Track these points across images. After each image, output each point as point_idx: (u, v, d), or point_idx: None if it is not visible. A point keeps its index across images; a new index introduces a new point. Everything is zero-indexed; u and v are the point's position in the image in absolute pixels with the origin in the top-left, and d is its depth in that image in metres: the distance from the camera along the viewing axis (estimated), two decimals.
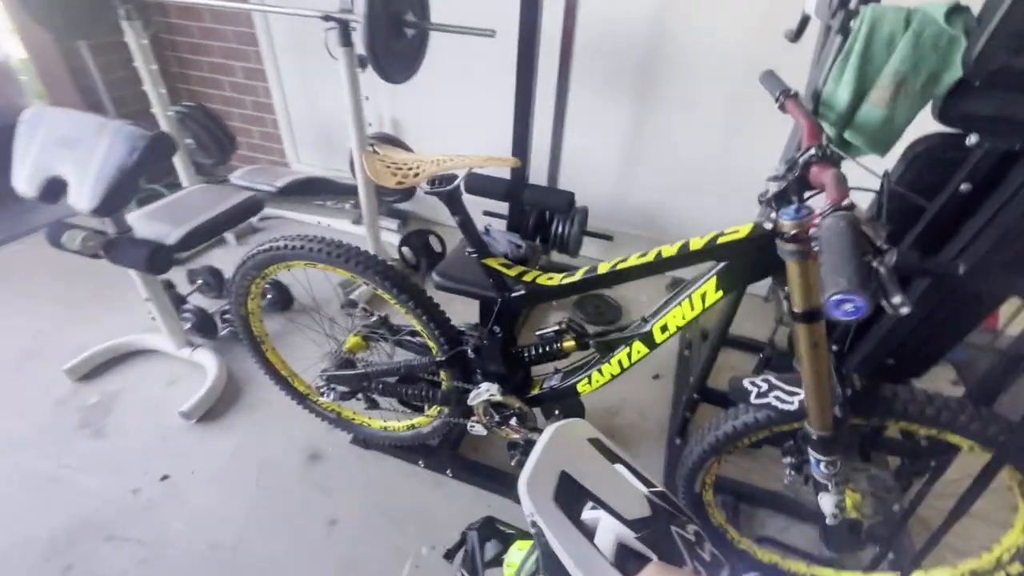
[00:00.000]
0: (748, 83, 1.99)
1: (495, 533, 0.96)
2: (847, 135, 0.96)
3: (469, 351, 1.18)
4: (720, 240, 0.85)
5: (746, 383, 1.01)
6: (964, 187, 0.90)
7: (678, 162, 2.25)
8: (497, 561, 0.93)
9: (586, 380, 1.11)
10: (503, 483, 1.51)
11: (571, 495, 0.65)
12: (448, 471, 1.54)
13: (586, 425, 0.77)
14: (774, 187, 0.76)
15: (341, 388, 1.35)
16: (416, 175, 0.95)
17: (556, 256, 2.30)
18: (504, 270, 1.04)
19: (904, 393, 0.90)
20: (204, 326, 1.95)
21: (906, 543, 1.31)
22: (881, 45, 0.89)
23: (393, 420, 1.54)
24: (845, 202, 0.54)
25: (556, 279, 1.02)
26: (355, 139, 1.92)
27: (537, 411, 1.27)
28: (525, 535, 0.93)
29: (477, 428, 1.29)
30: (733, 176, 2.19)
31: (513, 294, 1.06)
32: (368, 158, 0.97)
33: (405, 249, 2.44)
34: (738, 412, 1.05)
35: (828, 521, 1.00)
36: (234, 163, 2.70)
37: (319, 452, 1.61)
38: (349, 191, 2.31)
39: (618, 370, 1.06)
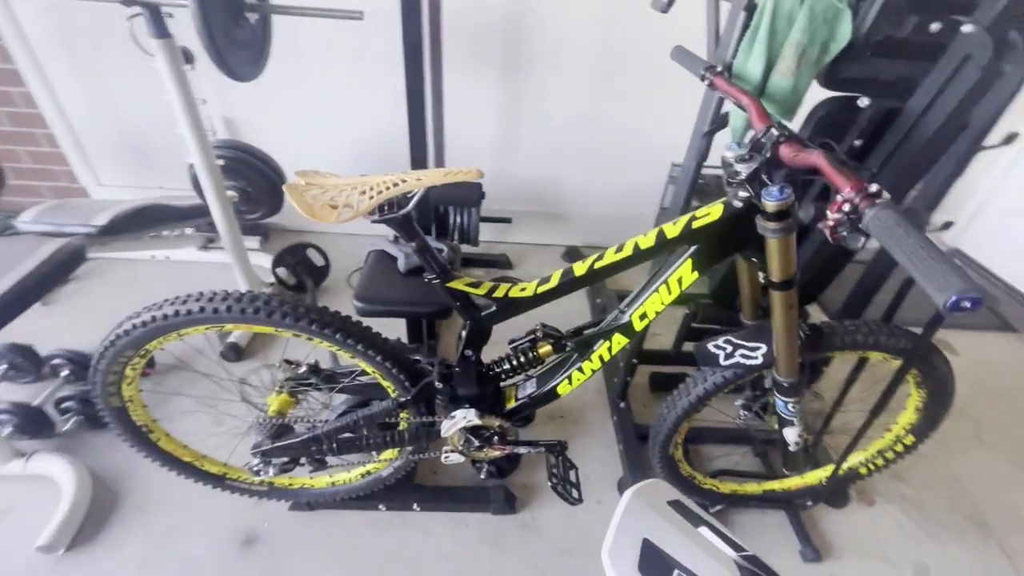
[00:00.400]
0: (613, 51, 2.09)
1: None
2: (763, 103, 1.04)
3: (436, 382, 1.07)
4: (695, 224, 0.86)
5: (711, 347, 1.07)
6: (857, 143, 1.03)
7: (556, 133, 2.28)
8: None
9: (566, 381, 1.08)
10: (476, 499, 1.45)
11: (656, 564, 0.63)
12: (415, 505, 1.42)
13: (665, 486, 0.75)
14: (743, 168, 0.78)
15: (280, 460, 1.13)
16: (367, 204, 0.79)
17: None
18: (473, 290, 0.94)
19: (839, 328, 1.05)
20: (33, 424, 1.48)
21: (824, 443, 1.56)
22: (783, 20, 0.97)
23: (342, 472, 1.35)
24: (873, 189, 0.57)
25: (529, 288, 0.95)
26: (197, 152, 1.56)
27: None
28: None
29: (452, 457, 1.19)
30: (611, 142, 2.30)
31: (484, 313, 0.97)
32: (293, 192, 0.77)
33: (281, 270, 2.12)
34: (707, 374, 1.12)
35: (791, 449, 1.14)
36: (5, 198, 2.04)
37: (254, 533, 1.36)
38: (196, 214, 1.90)
39: (599, 365, 1.05)
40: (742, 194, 0.82)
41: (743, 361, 1.04)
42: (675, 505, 0.72)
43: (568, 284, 0.93)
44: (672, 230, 0.88)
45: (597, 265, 0.91)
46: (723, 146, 0.83)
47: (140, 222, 1.73)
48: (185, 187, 1.94)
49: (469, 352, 1.02)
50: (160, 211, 1.82)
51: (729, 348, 1.05)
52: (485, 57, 2.08)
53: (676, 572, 0.62)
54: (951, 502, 1.57)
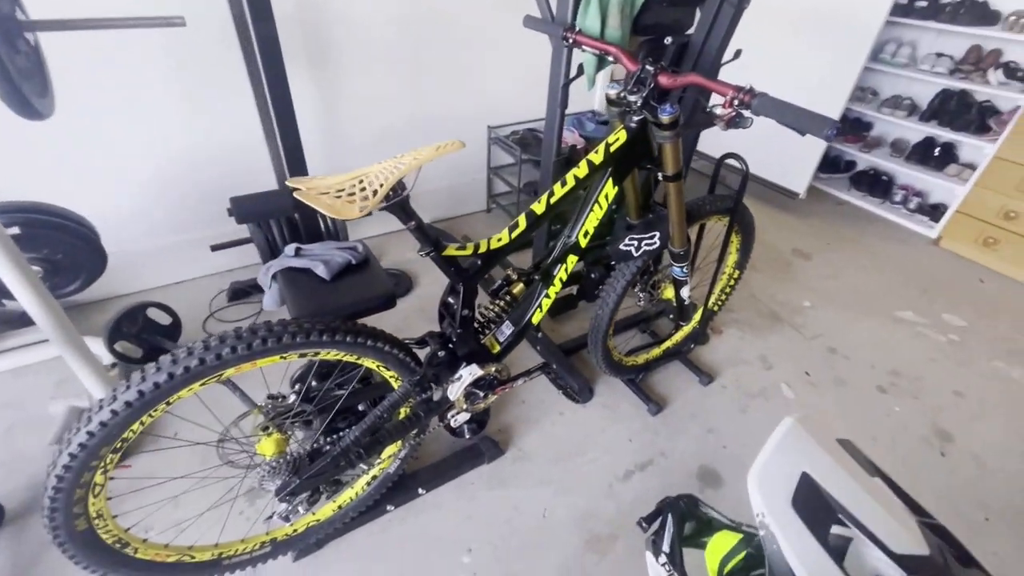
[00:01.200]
0: (411, 28, 2.18)
1: (694, 514, 0.87)
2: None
3: (439, 352, 1.14)
4: (612, 148, 1.12)
5: (622, 248, 1.38)
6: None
7: (377, 119, 2.31)
8: (694, 543, 0.85)
9: (537, 310, 1.27)
10: (470, 458, 1.55)
11: (815, 504, 0.54)
12: (419, 490, 1.46)
13: (835, 422, 0.67)
14: (636, 98, 1.06)
15: (304, 494, 1.07)
16: (375, 192, 0.82)
17: None
18: (462, 253, 1.03)
19: (696, 204, 1.45)
20: None
21: None
22: None
23: (346, 492, 1.31)
24: (747, 86, 0.88)
25: (504, 237, 1.09)
26: None
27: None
28: (731, 526, 0.81)
29: (460, 416, 1.29)
30: (430, 117, 2.43)
31: (472, 272, 1.08)
32: (308, 197, 0.76)
33: (121, 344, 1.75)
34: (626, 267, 1.43)
35: (686, 303, 1.55)
36: None
37: None
38: None
39: (559, 287, 1.26)
40: (636, 118, 1.10)
41: (648, 248, 1.38)
42: (846, 445, 0.62)
43: (534, 223, 1.11)
44: (596, 157, 1.12)
45: (552, 200, 1.10)
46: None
47: None
48: None
49: (466, 312, 1.12)
50: None
51: (635, 243, 1.38)
52: (290, 54, 1.98)
53: (839, 521, 0.52)
54: (757, 312, 2.27)
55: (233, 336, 0.86)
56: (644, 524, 0.90)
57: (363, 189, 0.82)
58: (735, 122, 0.91)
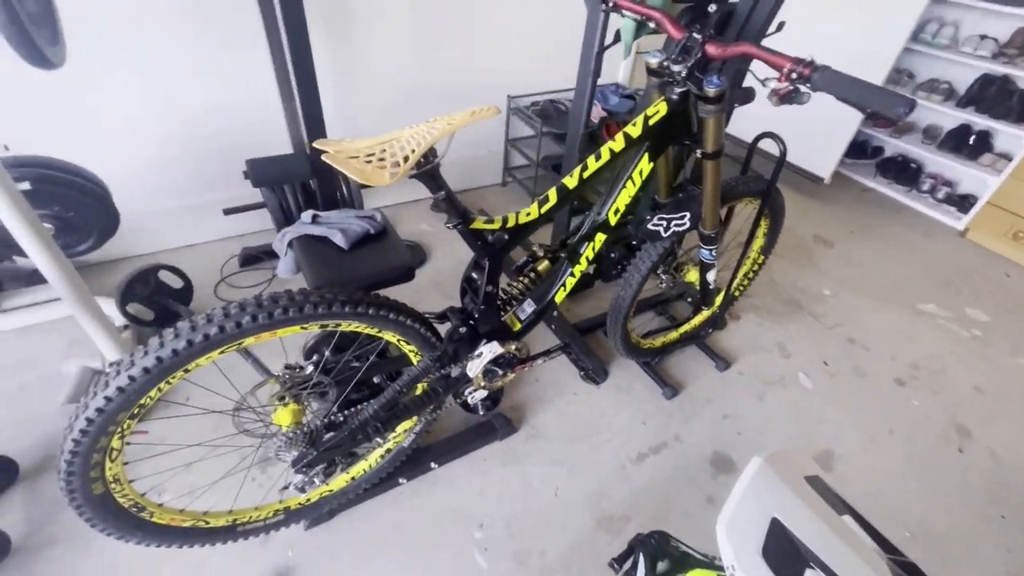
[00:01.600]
0: None
1: (667, 551, 0.84)
2: None
3: (459, 328, 1.11)
4: (651, 121, 1.06)
5: (651, 227, 1.32)
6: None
7: (392, 85, 2.22)
8: None
9: (561, 288, 1.23)
10: (483, 434, 1.54)
11: (785, 551, 0.52)
12: (432, 464, 1.45)
13: (804, 457, 0.64)
14: (680, 68, 0.99)
15: (321, 466, 1.06)
16: (407, 158, 0.77)
17: None
18: (490, 226, 0.99)
19: (729, 184, 1.39)
20: None
21: None
22: None
23: (360, 464, 1.30)
24: (807, 58, 0.82)
25: (533, 211, 1.04)
26: None
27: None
28: (705, 563, 0.80)
29: (477, 394, 1.26)
30: (447, 84, 2.34)
31: (498, 247, 1.04)
32: (337, 160, 0.71)
33: (132, 306, 1.73)
34: (652, 248, 1.38)
35: (711, 287, 1.50)
36: None
37: (285, 568, 1.24)
38: None
39: (586, 265, 1.21)
40: (678, 90, 1.04)
41: (677, 229, 1.32)
42: (813, 482, 0.60)
43: (565, 197, 1.06)
44: (634, 130, 1.06)
45: (585, 175, 1.05)
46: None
47: None
48: None
49: (491, 288, 1.08)
50: None
51: (664, 223, 1.32)
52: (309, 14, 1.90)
53: (810, 566, 0.51)
54: (776, 298, 2.23)
55: (254, 304, 0.82)
56: (616, 565, 0.88)
57: (393, 154, 0.78)
58: (791, 97, 0.85)
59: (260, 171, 1.46)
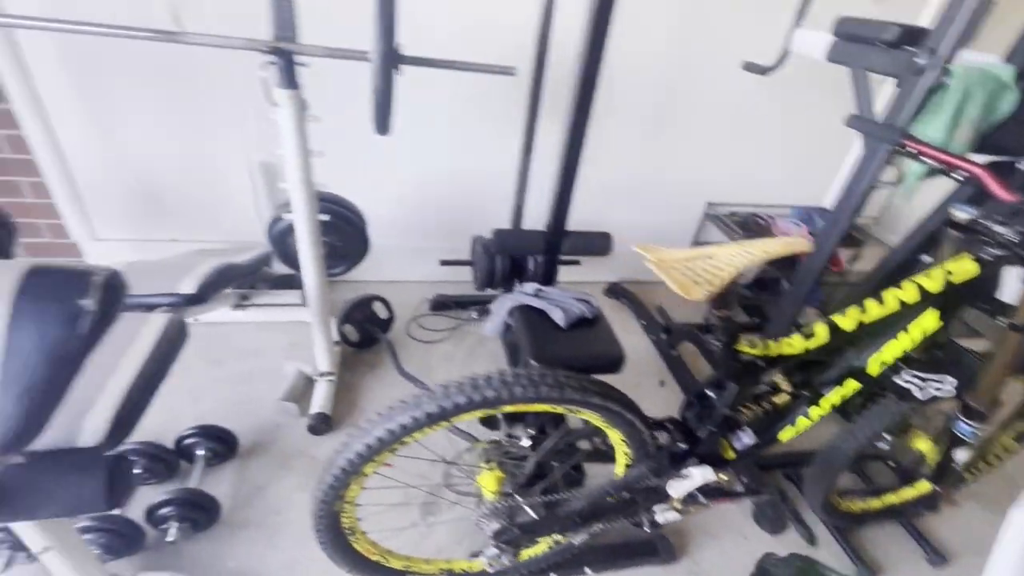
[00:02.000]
0: (665, 93, 2.21)
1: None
2: None
3: (679, 443, 1.06)
4: (953, 279, 0.96)
5: (903, 384, 1.17)
6: None
7: (606, 175, 2.35)
8: None
9: (789, 427, 1.12)
10: (643, 552, 1.43)
11: None
12: (586, 568, 1.37)
13: None
14: (1008, 231, 0.90)
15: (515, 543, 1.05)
16: (720, 278, 0.79)
17: None
18: (752, 351, 0.96)
19: None
20: (123, 541, 1.23)
21: None
22: (966, 98, 1.12)
23: (532, 548, 1.27)
24: None
25: (796, 344, 0.98)
26: (303, 207, 1.44)
27: None
28: None
29: (670, 515, 1.18)
30: (650, 181, 2.42)
31: (751, 372, 0.99)
32: (663, 269, 0.75)
33: (347, 327, 1.96)
34: (896, 405, 1.22)
35: (954, 467, 1.27)
36: None
37: None
38: (256, 268, 1.69)
39: (828, 410, 1.10)
40: (996, 252, 0.94)
41: (936, 393, 1.16)
42: None
43: (834, 339, 0.98)
44: (932, 285, 0.97)
45: (864, 319, 0.97)
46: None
47: (220, 284, 1.52)
48: (203, 238, 2.02)
49: (728, 411, 1.02)
50: (230, 270, 1.61)
51: (919, 382, 1.16)
52: (548, 106, 2.12)
53: None
54: (1007, 483, 1.82)
55: (526, 378, 0.87)
56: None
57: (706, 270, 0.79)
58: None
59: (504, 239, 1.66)
